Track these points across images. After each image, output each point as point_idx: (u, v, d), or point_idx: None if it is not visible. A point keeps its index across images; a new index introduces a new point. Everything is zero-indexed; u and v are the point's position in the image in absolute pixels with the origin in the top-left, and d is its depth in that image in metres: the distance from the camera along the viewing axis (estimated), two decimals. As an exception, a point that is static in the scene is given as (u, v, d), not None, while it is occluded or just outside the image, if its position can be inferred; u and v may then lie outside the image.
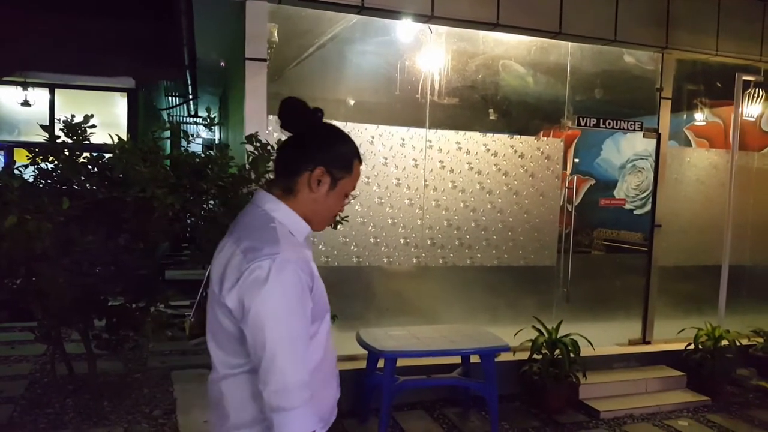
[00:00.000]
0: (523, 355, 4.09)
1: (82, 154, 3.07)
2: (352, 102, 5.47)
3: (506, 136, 4.57)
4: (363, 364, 3.67)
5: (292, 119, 1.19)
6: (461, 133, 4.41)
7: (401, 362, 3.48)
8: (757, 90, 5.02)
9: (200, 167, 2.97)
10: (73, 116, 3.02)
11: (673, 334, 4.73)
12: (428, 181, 4.31)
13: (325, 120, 1.26)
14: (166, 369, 4.01)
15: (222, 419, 1.19)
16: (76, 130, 2.99)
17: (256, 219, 1.15)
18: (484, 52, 4.86)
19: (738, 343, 4.54)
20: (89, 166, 3.03)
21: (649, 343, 4.89)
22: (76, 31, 6.36)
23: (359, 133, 4.12)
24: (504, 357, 3.86)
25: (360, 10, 3.84)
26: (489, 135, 4.50)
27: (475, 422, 3.84)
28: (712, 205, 5.07)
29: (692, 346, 4.52)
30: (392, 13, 3.94)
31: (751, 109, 5.16)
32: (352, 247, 4.10)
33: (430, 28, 4.28)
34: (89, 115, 3.05)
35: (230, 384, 1.15)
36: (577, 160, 6.98)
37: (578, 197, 6.08)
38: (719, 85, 5.39)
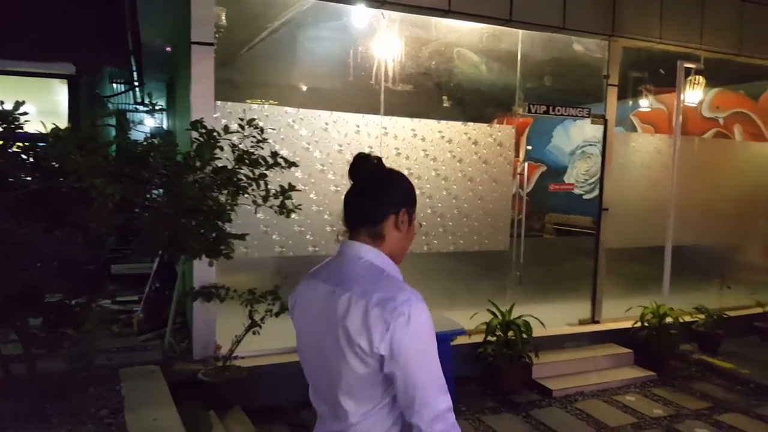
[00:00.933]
0: (479, 338, 4.17)
1: (14, 144, 2.88)
2: (305, 88, 5.37)
3: (460, 123, 4.60)
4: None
5: (360, 170, 1.34)
6: (416, 120, 4.40)
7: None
8: (697, 77, 5.23)
9: (142, 155, 2.83)
10: (2, 103, 2.82)
11: (621, 313, 4.93)
12: (383, 169, 4.29)
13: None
14: (114, 367, 3.85)
15: None
16: (6, 117, 2.80)
17: (366, 271, 1.28)
18: (437, 39, 4.86)
19: (681, 320, 4.77)
20: (23, 156, 2.84)
21: (598, 322, 5.08)
22: (10, 13, 5.96)
23: (313, 119, 4.05)
24: (461, 340, 3.92)
25: (310, -7, 3.75)
26: (444, 122, 4.52)
27: (432, 406, 3.89)
28: (656, 188, 5.28)
29: (639, 324, 4.73)
30: (344, -3, 3.88)
31: (693, 96, 5.38)
32: (307, 236, 4.05)
33: (383, 14, 4.24)
34: (20, 101, 2.86)
35: (370, 424, 1.25)
36: (530, 147, 7.13)
37: (530, 183, 6.23)
38: (663, 72, 5.60)
